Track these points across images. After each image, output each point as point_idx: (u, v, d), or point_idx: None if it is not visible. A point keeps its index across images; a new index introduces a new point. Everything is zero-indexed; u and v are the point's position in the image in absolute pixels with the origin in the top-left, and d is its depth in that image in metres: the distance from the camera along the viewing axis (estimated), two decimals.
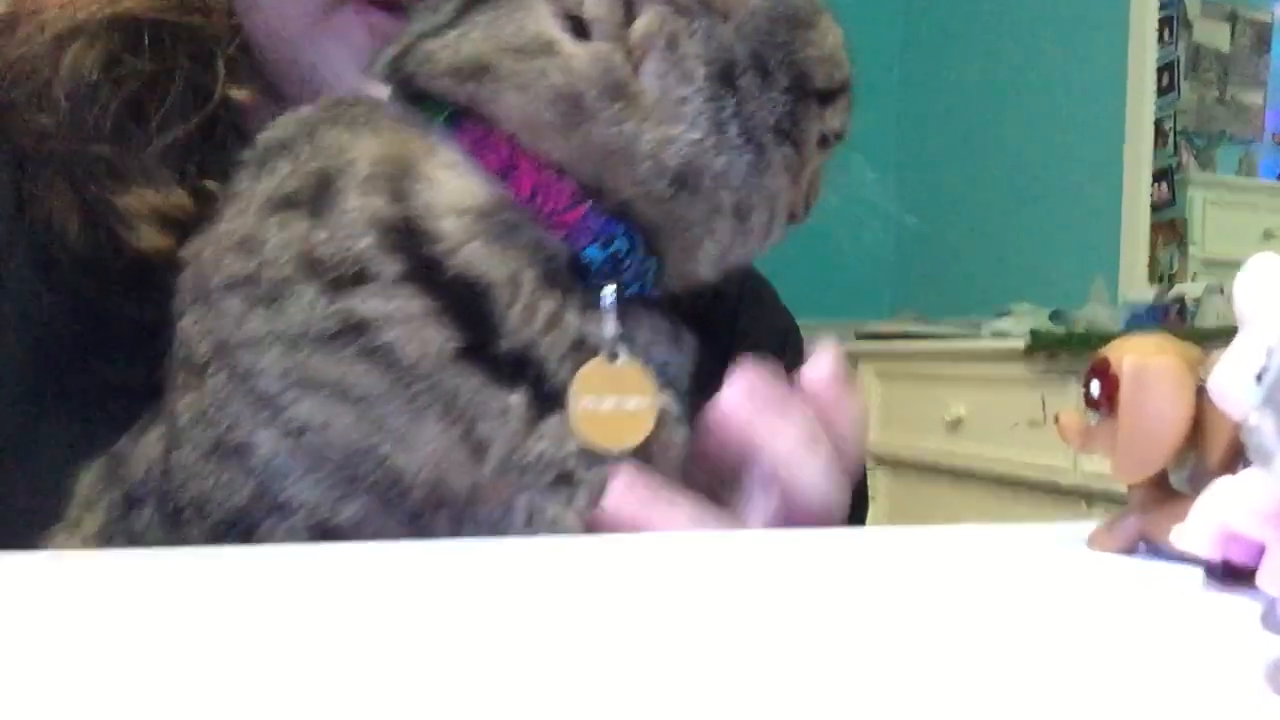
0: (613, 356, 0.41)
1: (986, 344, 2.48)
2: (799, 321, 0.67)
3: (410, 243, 0.39)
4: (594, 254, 0.41)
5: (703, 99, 0.40)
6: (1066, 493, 2.15)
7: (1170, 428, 0.34)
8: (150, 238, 0.48)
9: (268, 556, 0.36)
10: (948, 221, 3.23)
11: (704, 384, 0.46)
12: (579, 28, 0.40)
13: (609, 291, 0.41)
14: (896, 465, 2.72)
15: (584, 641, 0.25)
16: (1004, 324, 2.52)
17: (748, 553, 0.37)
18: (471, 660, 0.23)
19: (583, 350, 0.41)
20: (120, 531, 0.42)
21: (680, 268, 0.44)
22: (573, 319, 0.40)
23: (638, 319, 0.42)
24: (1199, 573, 0.32)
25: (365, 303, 0.38)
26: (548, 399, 0.40)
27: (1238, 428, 0.26)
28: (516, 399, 0.39)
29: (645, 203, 0.41)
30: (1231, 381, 0.26)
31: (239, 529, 0.39)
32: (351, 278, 0.38)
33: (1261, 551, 0.26)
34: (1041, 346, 2.22)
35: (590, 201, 0.41)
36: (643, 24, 0.40)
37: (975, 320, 2.69)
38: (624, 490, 0.39)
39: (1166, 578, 0.33)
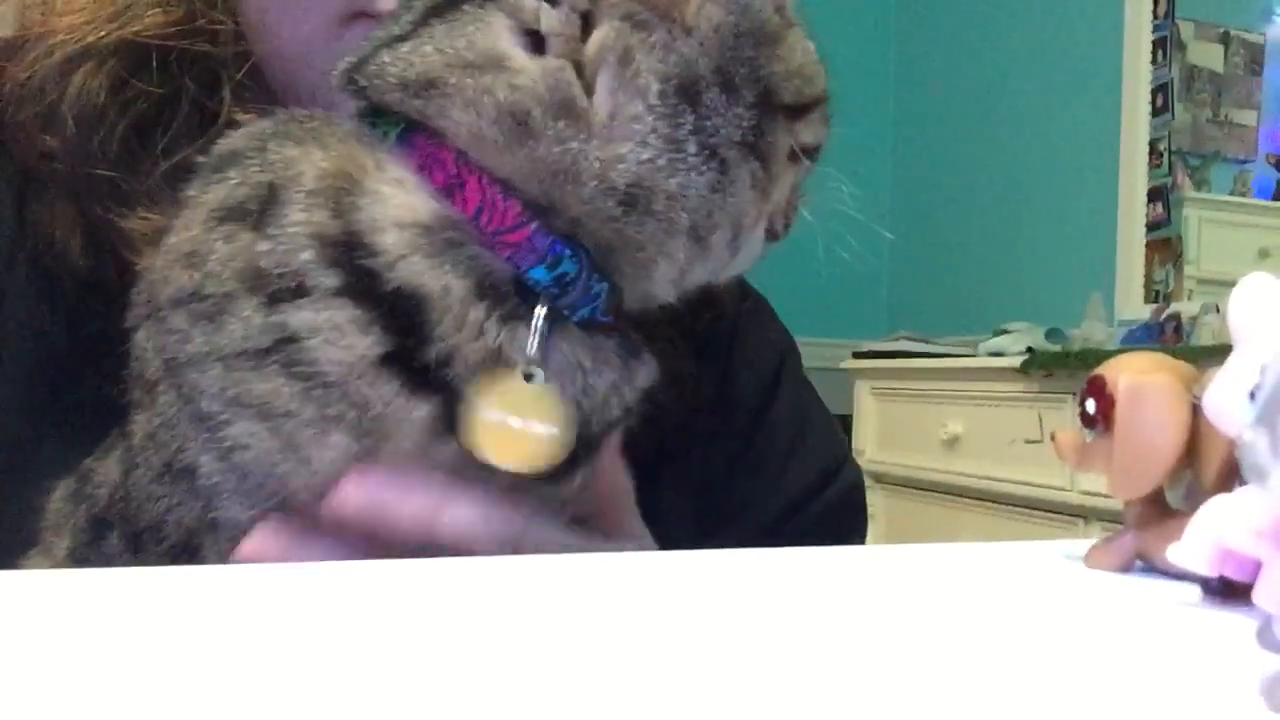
0: (528, 377, 0.40)
1: (983, 362, 2.48)
2: (797, 340, 0.68)
3: (349, 257, 0.38)
4: (539, 275, 0.40)
5: (655, 116, 0.39)
6: (1063, 510, 2.15)
7: (1166, 445, 0.34)
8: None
9: (221, 577, 0.36)
10: (944, 241, 3.24)
11: (704, 402, 0.46)
12: (536, 42, 0.40)
13: (540, 312, 0.40)
14: (893, 484, 2.72)
15: (584, 662, 0.25)
16: (1000, 342, 2.52)
17: (745, 571, 0.37)
18: (438, 685, 0.23)
19: (499, 365, 0.39)
20: (93, 555, 0.42)
21: (635, 288, 0.42)
22: (492, 331, 0.39)
23: (585, 344, 0.41)
24: (1196, 590, 0.32)
25: (297, 315, 0.38)
26: (456, 415, 0.39)
27: (1233, 445, 0.26)
28: (423, 412, 0.39)
29: (595, 222, 0.40)
30: (1226, 399, 0.27)
31: (189, 550, 0.39)
32: (290, 291, 0.38)
33: (1258, 568, 0.26)
34: (1038, 365, 2.23)
35: (536, 222, 0.40)
36: (597, 38, 0.39)
37: (972, 339, 2.69)
38: (269, 533, 0.38)
39: (1163, 595, 0.33)
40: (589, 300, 0.41)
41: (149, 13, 0.50)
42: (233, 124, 0.50)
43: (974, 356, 2.57)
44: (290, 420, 0.38)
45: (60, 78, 0.49)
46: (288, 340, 0.38)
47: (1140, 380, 0.35)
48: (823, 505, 0.62)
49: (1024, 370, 2.25)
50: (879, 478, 2.72)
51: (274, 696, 0.21)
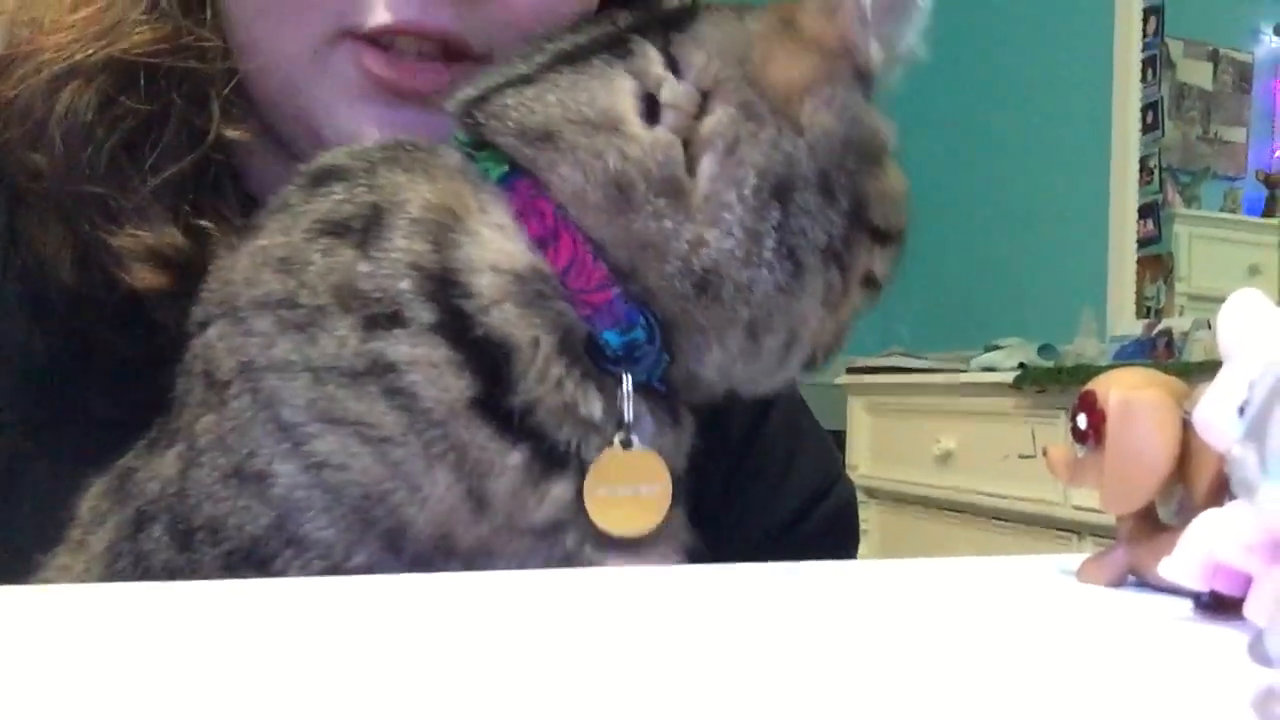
0: (626, 444, 0.41)
1: (976, 378, 2.48)
2: None
3: (445, 293, 0.39)
4: (612, 338, 0.41)
5: (744, 208, 0.40)
6: (1056, 525, 2.16)
7: (1156, 460, 0.34)
8: (144, 277, 0.48)
9: (269, 591, 0.36)
10: (936, 257, 3.25)
11: (697, 419, 0.46)
12: (652, 109, 0.41)
13: (629, 380, 0.41)
14: (887, 498, 2.72)
15: (578, 676, 0.25)
16: (993, 358, 2.53)
17: (738, 586, 0.37)
18: (436, 690, 0.23)
19: (572, 418, 0.41)
20: (128, 551, 0.41)
21: (687, 367, 0.43)
22: (569, 388, 0.40)
23: (642, 407, 0.42)
24: (1187, 604, 0.32)
25: (395, 346, 0.38)
26: (549, 459, 0.40)
27: (1223, 460, 0.26)
28: (517, 456, 0.39)
29: (667, 297, 0.41)
30: (1216, 414, 0.27)
31: (253, 559, 0.39)
32: (386, 318, 0.39)
33: (1248, 582, 0.26)
34: (1030, 380, 2.23)
35: (618, 288, 0.40)
36: (712, 121, 0.40)
37: (965, 354, 2.70)
38: None
39: (1155, 609, 0.33)
40: (650, 368, 0.42)
41: (136, 30, 0.49)
42: (221, 141, 0.50)
43: (967, 372, 2.57)
44: (397, 448, 0.38)
45: (48, 96, 0.49)
46: (387, 368, 0.38)
47: (1131, 396, 0.35)
48: (816, 522, 0.62)
49: (1016, 386, 2.25)
50: (872, 493, 2.72)
51: (270, 704, 0.21)
